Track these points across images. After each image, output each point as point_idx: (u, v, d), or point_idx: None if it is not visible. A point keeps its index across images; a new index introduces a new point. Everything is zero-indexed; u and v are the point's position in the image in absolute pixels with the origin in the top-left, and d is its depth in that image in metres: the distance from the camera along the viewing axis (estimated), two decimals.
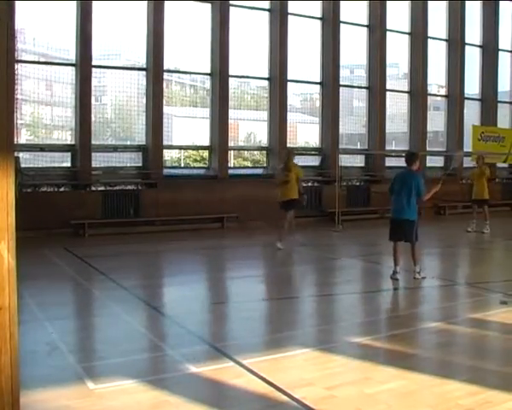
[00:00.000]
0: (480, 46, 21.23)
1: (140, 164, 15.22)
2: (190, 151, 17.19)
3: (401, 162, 19.23)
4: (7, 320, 2.75)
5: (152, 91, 14.90)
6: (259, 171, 17.16)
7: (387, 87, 18.83)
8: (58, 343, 5.79)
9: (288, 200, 12.16)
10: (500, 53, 21.28)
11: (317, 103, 18.25)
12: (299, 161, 17.53)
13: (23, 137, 14.27)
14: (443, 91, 21.03)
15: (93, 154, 14.37)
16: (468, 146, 19.86)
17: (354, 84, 19.46)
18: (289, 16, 16.71)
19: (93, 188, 14.46)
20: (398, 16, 19.09)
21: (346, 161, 17.39)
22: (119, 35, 14.68)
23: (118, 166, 15.00)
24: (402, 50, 19.50)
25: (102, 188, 14.57)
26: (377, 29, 18.24)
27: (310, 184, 17.34)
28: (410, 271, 9.03)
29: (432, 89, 20.86)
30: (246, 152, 17.95)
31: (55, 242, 12.30)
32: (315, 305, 8.12)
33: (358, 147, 19.55)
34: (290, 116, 17.23)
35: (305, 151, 18.40)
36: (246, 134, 18.11)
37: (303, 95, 19.38)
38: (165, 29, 14.84)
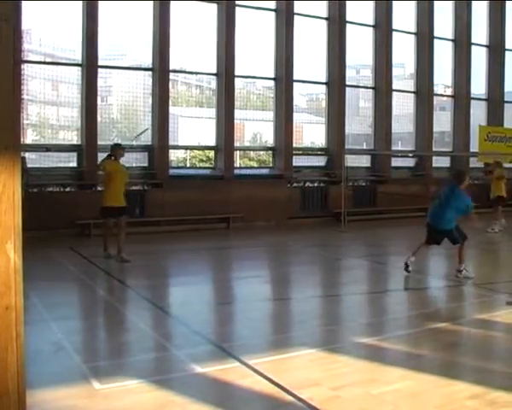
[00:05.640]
0: (486, 46, 21.14)
1: (146, 164, 15.23)
2: (196, 151, 17.19)
3: (407, 162, 19.55)
4: (13, 320, 2.75)
5: (158, 92, 14.90)
6: (265, 171, 17.17)
7: (393, 87, 18.77)
8: (64, 343, 5.80)
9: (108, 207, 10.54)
10: (507, 53, 21.17)
11: (323, 103, 18.22)
12: (305, 161, 17.68)
13: (29, 137, 14.30)
14: (449, 91, 20.96)
15: (99, 154, 14.35)
16: (474, 146, 19.81)
17: (360, 85, 19.45)
18: (295, 16, 16.68)
19: (99, 188, 14.46)
20: (404, 16, 19.04)
21: (351, 161, 17.35)
22: (125, 35, 14.72)
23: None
24: (408, 50, 19.44)
25: None
26: (383, 29, 18.21)
27: (316, 184, 17.37)
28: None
29: (438, 89, 20.79)
30: (252, 152, 17.94)
31: (61, 242, 12.32)
32: (321, 305, 8.10)
33: (364, 147, 19.53)
34: (296, 116, 17.20)
35: (311, 151, 18.43)
36: (252, 134, 18.11)
37: (309, 95, 19.36)
38: (171, 29, 14.84)
